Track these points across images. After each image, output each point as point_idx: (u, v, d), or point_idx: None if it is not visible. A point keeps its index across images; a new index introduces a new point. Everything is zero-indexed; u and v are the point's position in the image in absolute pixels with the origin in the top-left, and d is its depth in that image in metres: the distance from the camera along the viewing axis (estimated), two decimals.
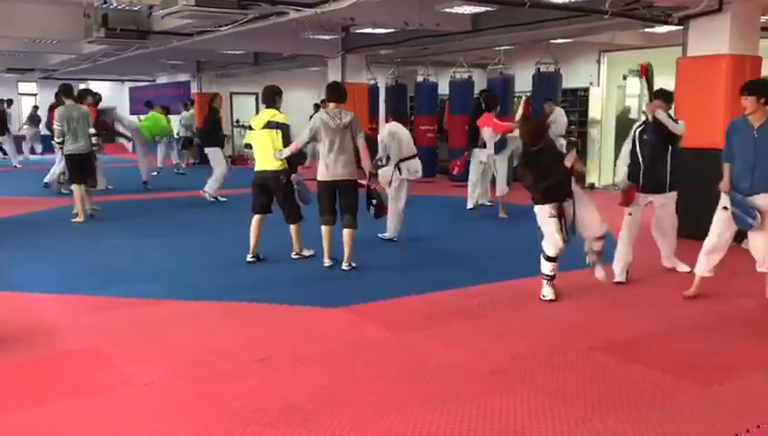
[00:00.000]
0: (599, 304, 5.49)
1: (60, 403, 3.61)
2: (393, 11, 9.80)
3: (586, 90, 13.73)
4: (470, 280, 6.05)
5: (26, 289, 5.91)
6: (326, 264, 6.58)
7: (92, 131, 9.34)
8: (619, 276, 5.98)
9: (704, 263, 5.52)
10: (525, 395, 3.67)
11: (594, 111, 13.59)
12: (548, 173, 5.45)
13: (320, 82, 18.56)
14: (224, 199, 11.08)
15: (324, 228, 6.58)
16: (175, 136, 16.69)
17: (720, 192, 5.40)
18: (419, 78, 15.56)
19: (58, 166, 11.64)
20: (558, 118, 11.73)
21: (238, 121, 21.34)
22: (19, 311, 5.34)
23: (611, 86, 13.76)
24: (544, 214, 5.47)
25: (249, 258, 6.87)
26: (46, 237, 8.37)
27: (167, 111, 15.22)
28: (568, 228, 5.48)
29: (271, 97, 6.84)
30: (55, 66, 18.84)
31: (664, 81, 8.94)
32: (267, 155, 6.67)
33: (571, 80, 13.45)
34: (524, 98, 13.84)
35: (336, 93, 6.50)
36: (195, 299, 5.58)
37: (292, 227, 6.95)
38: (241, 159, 19.68)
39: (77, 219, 9.20)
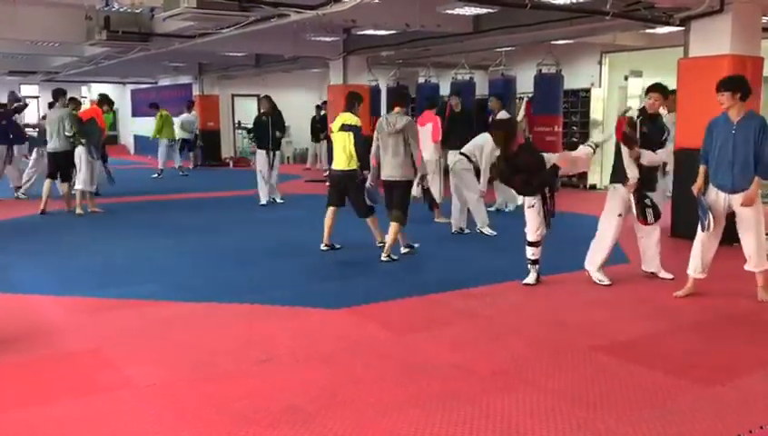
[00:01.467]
0: (600, 305, 5.49)
1: (61, 404, 3.61)
2: (394, 12, 9.81)
3: (588, 91, 13.73)
4: (471, 281, 6.05)
5: (27, 290, 5.92)
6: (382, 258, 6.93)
7: (68, 133, 9.81)
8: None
9: (693, 264, 5.57)
10: (526, 395, 3.67)
11: (595, 112, 13.58)
12: (534, 172, 5.70)
13: (321, 83, 18.63)
14: (282, 200, 11.11)
15: (369, 220, 7.31)
16: (175, 138, 16.71)
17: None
18: (421, 79, 15.57)
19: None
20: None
21: (239, 123, 21.38)
22: (20, 312, 5.34)
23: (612, 87, 13.75)
24: (528, 203, 5.84)
25: (322, 247, 7.31)
26: (47, 239, 8.38)
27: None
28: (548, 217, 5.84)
29: (351, 103, 7.35)
30: (57, 69, 18.88)
31: (666, 82, 8.96)
32: (341, 156, 7.18)
33: (572, 81, 13.45)
34: (525, 99, 13.84)
35: (395, 97, 7.11)
36: (196, 300, 5.58)
37: (368, 220, 7.36)
38: (242, 161, 19.74)
39: (40, 208, 9.84)
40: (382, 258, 6.85)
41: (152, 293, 5.75)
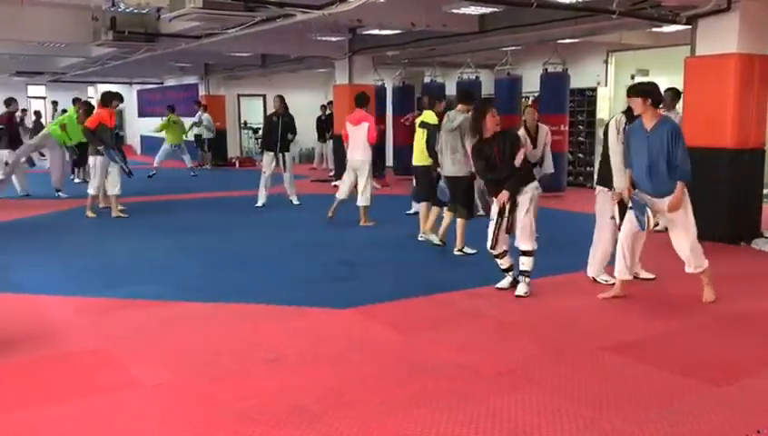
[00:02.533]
0: (607, 305, 5.47)
1: (65, 404, 3.62)
2: (400, 12, 9.81)
3: (594, 90, 13.70)
4: (477, 281, 6.04)
5: (33, 290, 5.94)
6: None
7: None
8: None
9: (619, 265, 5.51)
10: (533, 395, 3.66)
11: (601, 111, 13.56)
12: (493, 166, 5.54)
13: (327, 83, 18.65)
14: (298, 202, 11.04)
15: (421, 210, 7.77)
16: (180, 143, 16.75)
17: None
18: (427, 79, 15.57)
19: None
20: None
21: (245, 123, 21.44)
22: (25, 312, 5.36)
23: (619, 86, 13.70)
24: (494, 210, 5.68)
25: (436, 241, 7.47)
26: (53, 239, 8.41)
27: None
28: (508, 228, 5.58)
29: (432, 102, 7.93)
30: (64, 69, 18.97)
31: (673, 81, 8.96)
32: (418, 151, 7.80)
33: (578, 80, 13.42)
34: (531, 99, 13.82)
35: (460, 95, 7.42)
36: (201, 300, 5.59)
37: (432, 210, 7.68)
38: (248, 161, 19.79)
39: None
40: (455, 252, 7.11)
41: (157, 293, 5.77)
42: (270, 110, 11.56)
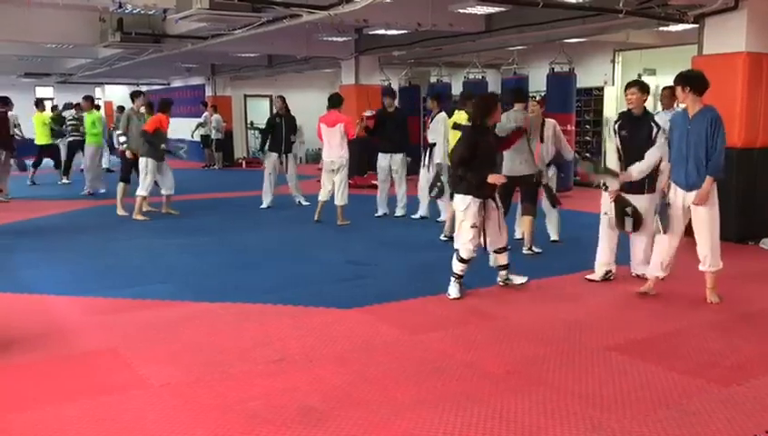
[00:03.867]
0: (614, 304, 5.46)
1: (75, 404, 3.64)
2: (406, 12, 9.81)
3: (601, 89, 13.67)
4: (484, 281, 6.03)
5: (43, 291, 5.96)
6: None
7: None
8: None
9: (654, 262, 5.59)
10: (540, 396, 3.66)
11: (608, 110, 13.52)
12: (491, 160, 5.53)
13: (333, 83, 18.66)
14: (307, 202, 10.94)
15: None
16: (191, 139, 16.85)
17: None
18: (433, 79, 15.57)
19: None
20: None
21: (252, 123, 21.47)
22: (35, 313, 5.39)
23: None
24: (466, 213, 5.51)
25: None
26: (63, 240, 8.45)
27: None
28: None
29: (462, 102, 7.71)
30: (72, 71, 19.06)
31: None
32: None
33: (585, 79, 13.39)
34: (538, 98, 13.78)
35: (514, 94, 7.38)
36: (209, 300, 5.60)
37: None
38: (255, 161, 19.82)
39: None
40: (524, 251, 7.07)
41: (165, 293, 5.79)
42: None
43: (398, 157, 9.52)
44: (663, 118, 8.43)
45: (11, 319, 5.17)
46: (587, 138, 13.90)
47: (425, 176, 8.96)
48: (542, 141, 7.54)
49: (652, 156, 5.66)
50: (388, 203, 9.71)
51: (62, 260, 7.24)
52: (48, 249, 7.83)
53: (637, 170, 5.66)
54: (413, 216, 9.47)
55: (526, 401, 3.58)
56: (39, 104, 14.92)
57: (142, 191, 9.84)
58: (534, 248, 7.14)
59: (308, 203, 10.88)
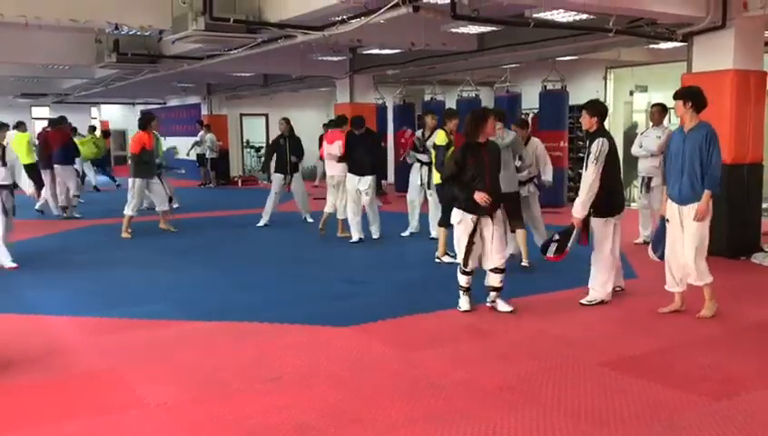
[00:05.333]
0: (607, 320, 5.51)
1: (73, 423, 3.66)
2: (399, 32, 9.91)
3: None
4: (477, 298, 6.07)
5: (41, 311, 5.99)
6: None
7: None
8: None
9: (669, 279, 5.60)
10: (533, 412, 3.69)
11: None
12: (482, 176, 5.44)
13: (329, 102, 18.78)
14: (312, 220, 11.02)
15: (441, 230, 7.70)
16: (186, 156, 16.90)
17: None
18: (427, 97, 15.68)
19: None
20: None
21: (248, 142, 21.58)
22: (34, 332, 5.41)
23: (618, 102, 13.81)
24: (459, 227, 5.56)
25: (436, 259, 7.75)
26: (58, 260, 8.47)
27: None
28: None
29: (444, 120, 8.00)
30: (68, 91, 19.15)
31: (671, 96, 9.00)
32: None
33: (578, 96, 13.47)
34: (531, 115, 13.91)
35: (496, 114, 7.14)
36: (205, 319, 5.63)
37: (440, 230, 7.83)
38: (251, 180, 19.90)
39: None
40: (523, 264, 7.18)
41: (161, 313, 5.82)
42: (273, 129, 11.68)
43: (367, 179, 9.07)
44: (652, 134, 8.57)
45: (9, 339, 5.19)
46: (581, 154, 13.99)
47: (415, 190, 9.19)
48: (521, 158, 7.51)
49: (584, 182, 5.64)
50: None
51: (59, 280, 7.26)
52: (45, 269, 7.84)
53: (578, 204, 5.67)
54: (402, 234, 9.52)
55: (519, 418, 3.61)
56: (20, 125, 14.93)
57: (128, 211, 9.97)
58: (524, 262, 7.20)
59: (312, 221, 10.96)
